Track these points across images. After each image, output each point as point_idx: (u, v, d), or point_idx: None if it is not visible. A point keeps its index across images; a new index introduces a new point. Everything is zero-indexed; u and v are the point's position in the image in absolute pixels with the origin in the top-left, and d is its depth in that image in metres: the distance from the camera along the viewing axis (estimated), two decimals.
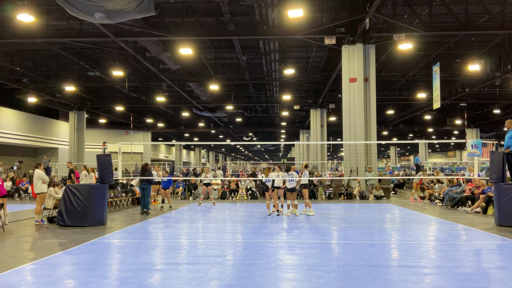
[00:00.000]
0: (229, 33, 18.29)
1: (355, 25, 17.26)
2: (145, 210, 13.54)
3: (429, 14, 16.78)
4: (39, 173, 11.40)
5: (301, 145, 40.28)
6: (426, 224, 11.06)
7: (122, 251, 7.70)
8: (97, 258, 6.98)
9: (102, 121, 41.63)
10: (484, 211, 13.02)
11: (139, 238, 9.06)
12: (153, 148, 53.10)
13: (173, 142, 49.68)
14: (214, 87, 26.25)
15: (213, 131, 50.09)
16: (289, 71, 23.38)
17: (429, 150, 66.75)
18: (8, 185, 20.08)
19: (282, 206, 14.24)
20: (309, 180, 14.35)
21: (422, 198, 18.51)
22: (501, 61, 21.98)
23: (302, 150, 39.89)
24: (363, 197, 18.67)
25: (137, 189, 16.45)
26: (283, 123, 46.11)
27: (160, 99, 30.85)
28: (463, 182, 16.13)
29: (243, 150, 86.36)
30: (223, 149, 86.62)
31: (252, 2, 15.97)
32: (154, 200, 17.04)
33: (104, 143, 13.65)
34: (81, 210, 10.76)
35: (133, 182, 17.56)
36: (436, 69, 17.67)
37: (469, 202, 14.32)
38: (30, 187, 20.03)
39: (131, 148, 35.27)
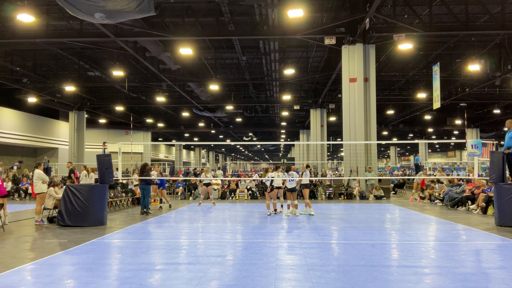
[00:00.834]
0: (229, 33, 18.29)
1: (355, 25, 17.26)
2: (145, 210, 13.54)
3: (429, 14, 16.78)
4: (39, 173, 11.39)
5: (301, 145, 40.27)
6: (426, 224, 11.06)
7: (122, 251, 7.70)
8: (97, 258, 6.97)
9: (102, 121, 41.63)
10: (484, 211, 13.03)
11: (139, 238, 9.06)
12: (153, 148, 53.09)
13: (173, 142, 49.68)
14: (214, 87, 26.25)
15: (213, 131, 50.09)
16: (289, 71, 23.38)
17: (429, 150, 66.76)
18: (9, 185, 20.07)
19: (282, 206, 14.26)
20: (310, 180, 14.35)
21: (422, 198, 18.52)
22: (501, 61, 21.98)
23: (302, 150, 39.89)
24: (363, 197, 18.67)
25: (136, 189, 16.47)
26: (283, 123, 46.11)
27: (160, 99, 30.86)
28: (463, 182, 16.13)
29: (243, 150, 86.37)
30: (223, 149, 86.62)
31: (252, 2, 15.97)
32: (154, 200, 17.04)
33: (104, 143, 13.66)
34: (81, 210, 10.76)
35: (133, 177, 17.64)
36: (436, 69, 17.67)
37: (469, 202, 14.33)
38: (30, 187, 20.01)
39: (131, 148, 35.24)
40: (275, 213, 13.16)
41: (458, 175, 24.81)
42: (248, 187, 20.07)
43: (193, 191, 20.24)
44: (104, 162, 11.41)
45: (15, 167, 26.61)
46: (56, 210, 11.26)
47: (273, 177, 12.98)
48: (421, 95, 27.57)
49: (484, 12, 17.31)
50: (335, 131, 40.02)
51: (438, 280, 5.63)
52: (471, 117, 37.66)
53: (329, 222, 11.55)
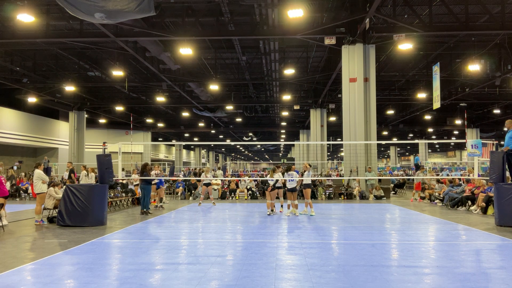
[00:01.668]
0: (229, 33, 18.30)
1: (355, 25, 17.26)
2: (145, 210, 13.54)
3: (429, 14, 16.78)
4: (39, 173, 11.39)
5: (301, 145, 40.28)
6: (426, 224, 11.06)
7: (122, 251, 7.70)
8: (97, 258, 6.97)
9: (102, 121, 41.63)
10: (484, 211, 13.03)
11: (139, 238, 9.06)
12: (153, 148, 53.10)
13: (173, 142, 49.67)
14: (214, 87, 26.25)
15: (213, 131, 50.09)
16: (289, 71, 23.39)
17: (429, 150, 66.78)
18: (7, 185, 20.03)
19: (282, 206, 14.24)
20: (311, 180, 14.33)
21: (422, 198, 18.52)
22: (501, 61, 21.97)
23: (302, 150, 39.89)
24: (363, 197, 18.67)
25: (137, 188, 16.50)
26: (283, 123, 46.11)
27: (160, 99, 30.86)
28: (463, 182, 16.14)
29: (243, 150, 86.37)
30: (223, 149, 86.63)
31: (252, 2, 15.96)
32: (154, 200, 17.04)
33: (104, 143, 13.66)
34: (81, 210, 10.76)
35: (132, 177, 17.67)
36: (436, 69, 17.67)
37: (469, 202, 14.33)
38: (30, 187, 20.00)
39: (131, 148, 35.27)
40: (269, 214, 13.07)
41: (456, 175, 24.80)
42: (248, 187, 20.07)
43: (193, 191, 20.24)
44: (104, 162, 11.41)
45: (15, 167, 26.60)
46: (56, 210, 11.26)
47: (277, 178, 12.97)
48: (421, 95, 27.57)
49: (484, 12, 17.31)
50: (335, 131, 40.03)
51: (438, 280, 5.63)
52: (471, 117, 37.68)
53: (329, 222, 11.54)
